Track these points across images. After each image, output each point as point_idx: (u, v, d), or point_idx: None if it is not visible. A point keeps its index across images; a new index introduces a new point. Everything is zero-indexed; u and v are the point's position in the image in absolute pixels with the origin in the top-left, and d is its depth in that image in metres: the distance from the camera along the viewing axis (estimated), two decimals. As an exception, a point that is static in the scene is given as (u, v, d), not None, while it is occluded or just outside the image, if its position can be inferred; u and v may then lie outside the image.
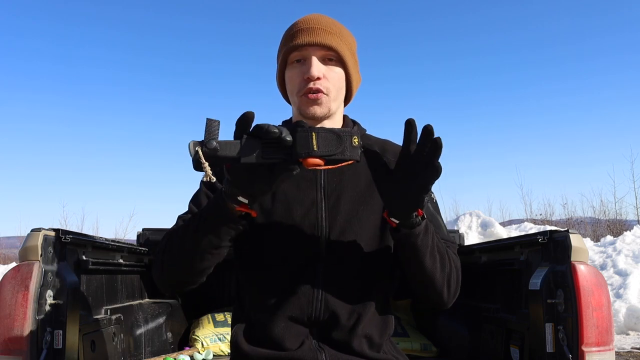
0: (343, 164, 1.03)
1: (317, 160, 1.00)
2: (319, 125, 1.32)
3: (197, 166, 0.99)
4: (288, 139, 0.99)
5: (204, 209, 1.19)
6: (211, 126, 0.99)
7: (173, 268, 1.22)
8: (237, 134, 1.02)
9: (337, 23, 1.35)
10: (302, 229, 1.26)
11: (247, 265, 1.30)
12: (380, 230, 1.29)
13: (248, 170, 1.03)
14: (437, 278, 1.22)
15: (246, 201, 1.09)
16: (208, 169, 0.98)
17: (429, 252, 1.18)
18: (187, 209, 1.33)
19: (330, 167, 1.03)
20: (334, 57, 1.31)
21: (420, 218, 1.15)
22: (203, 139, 0.99)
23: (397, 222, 1.16)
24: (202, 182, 1.36)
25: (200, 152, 0.98)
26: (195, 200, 1.34)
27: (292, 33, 1.32)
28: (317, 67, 1.28)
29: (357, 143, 1.03)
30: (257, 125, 1.00)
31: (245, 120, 1.01)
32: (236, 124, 1.02)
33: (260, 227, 1.27)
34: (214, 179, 0.99)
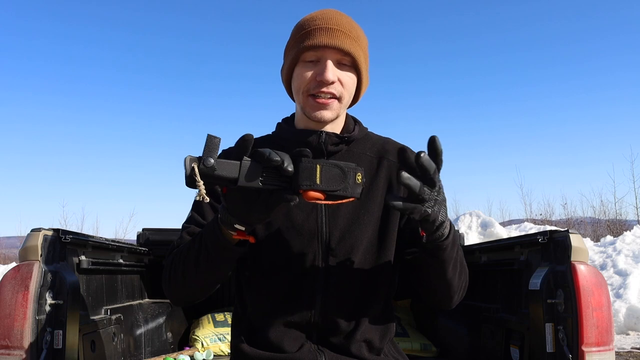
0: (343, 200, 0.99)
1: (318, 194, 0.96)
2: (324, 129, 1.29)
3: (191, 183, 0.92)
4: (289, 169, 0.95)
5: (202, 235, 1.15)
6: (211, 143, 0.92)
7: (180, 290, 1.23)
8: (236, 157, 0.95)
9: (354, 24, 1.28)
10: (302, 234, 1.25)
11: (248, 269, 1.29)
12: (380, 236, 1.27)
13: (245, 197, 0.98)
14: (454, 286, 1.22)
15: (243, 228, 1.05)
16: (202, 187, 0.92)
17: (452, 263, 1.17)
18: (189, 215, 1.31)
19: (329, 202, 0.98)
20: (348, 62, 1.25)
21: (446, 231, 1.10)
22: (201, 155, 0.92)
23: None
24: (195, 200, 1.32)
25: (197, 169, 0.91)
26: (197, 207, 1.31)
27: (308, 30, 1.24)
28: (333, 71, 1.22)
29: (360, 180, 0.99)
30: (258, 151, 0.95)
31: (244, 142, 0.96)
32: (235, 146, 0.97)
33: (261, 231, 1.25)
34: (207, 199, 0.93)
